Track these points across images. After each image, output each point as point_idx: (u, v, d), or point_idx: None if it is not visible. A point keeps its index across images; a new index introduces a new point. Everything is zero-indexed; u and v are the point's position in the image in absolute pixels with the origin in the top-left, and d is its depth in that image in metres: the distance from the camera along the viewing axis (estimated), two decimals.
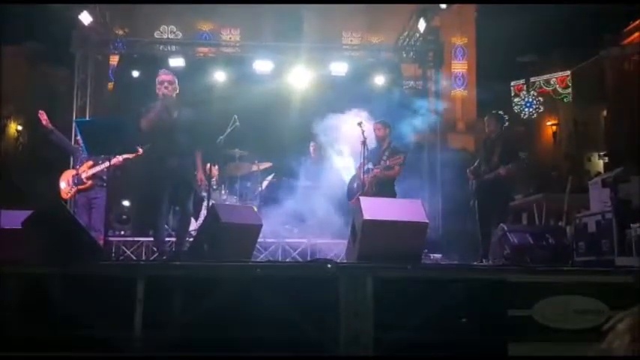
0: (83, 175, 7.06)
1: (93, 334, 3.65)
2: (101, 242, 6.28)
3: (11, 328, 3.68)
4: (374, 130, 7.44)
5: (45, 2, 9.25)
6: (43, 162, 12.41)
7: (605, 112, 17.86)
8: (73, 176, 7.17)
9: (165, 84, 5.93)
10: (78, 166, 7.25)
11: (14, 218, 5.22)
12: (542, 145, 19.73)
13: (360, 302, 3.79)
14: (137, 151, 6.40)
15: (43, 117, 7.13)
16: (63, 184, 7.28)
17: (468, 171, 7.15)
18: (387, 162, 7.13)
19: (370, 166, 7.34)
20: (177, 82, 6.05)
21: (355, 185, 7.63)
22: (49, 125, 7.19)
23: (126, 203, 9.86)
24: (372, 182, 7.14)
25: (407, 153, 7.41)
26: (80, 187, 7.07)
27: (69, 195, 7.16)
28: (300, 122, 10.65)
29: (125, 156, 6.62)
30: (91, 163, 7.09)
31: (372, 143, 7.46)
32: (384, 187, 7.17)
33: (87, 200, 7.09)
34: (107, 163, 6.72)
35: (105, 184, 7.13)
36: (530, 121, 20.03)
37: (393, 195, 7.19)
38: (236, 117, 7.48)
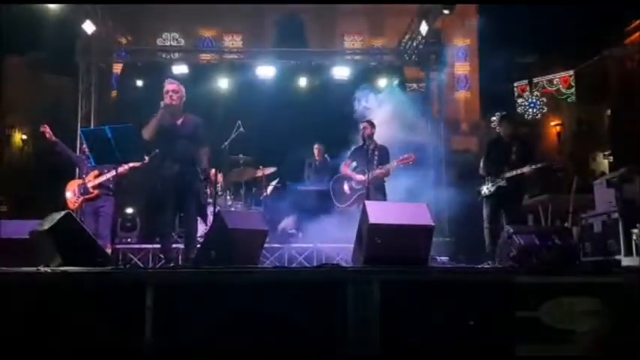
0: (89, 185, 7.09)
1: (102, 343, 3.67)
2: (109, 250, 6.32)
3: (19, 338, 3.69)
4: (362, 129, 7.42)
5: (46, 2, 9.24)
6: (49, 171, 12.45)
7: (609, 112, 17.81)
8: (79, 186, 7.20)
9: (170, 93, 5.96)
10: (84, 176, 7.27)
11: (21, 228, 5.26)
12: (546, 146, 19.68)
13: (367, 306, 3.80)
14: (143, 160, 6.45)
15: (47, 130, 7.20)
16: (69, 194, 7.31)
17: (483, 170, 7.03)
18: (396, 162, 7.14)
19: (354, 165, 7.42)
20: (183, 90, 6.09)
21: (346, 187, 7.62)
22: (53, 138, 7.26)
23: (130, 210, 9.88)
24: (371, 182, 7.14)
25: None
26: (87, 196, 7.11)
27: (76, 205, 7.18)
28: (304, 126, 10.68)
29: (131, 164, 6.66)
30: (96, 172, 7.13)
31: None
32: (379, 188, 7.20)
33: (94, 209, 7.12)
34: (113, 172, 6.77)
35: (111, 193, 7.16)
36: (534, 121, 19.99)
37: (384, 194, 7.22)
38: (240, 123, 7.49)
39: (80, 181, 7.28)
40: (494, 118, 7.32)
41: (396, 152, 7.42)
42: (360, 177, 7.35)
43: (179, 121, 5.98)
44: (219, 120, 8.18)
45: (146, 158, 6.39)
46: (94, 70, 11.09)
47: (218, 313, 3.71)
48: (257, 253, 5.60)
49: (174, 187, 5.98)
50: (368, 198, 6.83)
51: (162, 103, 5.94)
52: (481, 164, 7.15)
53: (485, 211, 6.89)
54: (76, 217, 7.20)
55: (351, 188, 7.55)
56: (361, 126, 7.44)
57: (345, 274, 4.07)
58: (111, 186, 7.11)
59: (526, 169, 6.63)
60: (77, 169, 8.18)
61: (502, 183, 6.80)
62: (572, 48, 18.39)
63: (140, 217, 9.81)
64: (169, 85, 6.04)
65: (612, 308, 3.78)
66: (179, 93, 6.02)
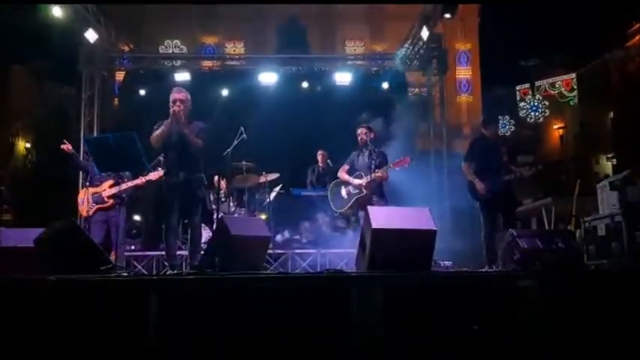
0: (104, 194, 7.14)
1: (104, 349, 3.68)
2: (112, 257, 6.35)
3: (23, 344, 3.71)
4: (361, 134, 7.42)
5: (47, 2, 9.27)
6: (53, 179, 12.49)
7: (612, 114, 17.82)
8: (93, 195, 7.25)
9: (178, 102, 5.97)
10: (87, 184, 7.31)
11: (25, 236, 5.27)
12: (549, 149, 19.69)
13: (370, 311, 3.81)
14: (147, 167, 6.48)
15: (67, 146, 7.30)
16: (83, 202, 7.36)
17: (476, 172, 6.94)
18: (392, 165, 7.14)
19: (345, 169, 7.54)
20: (190, 99, 6.11)
21: (344, 192, 7.63)
22: (72, 150, 7.38)
23: (135, 217, 9.90)
24: (369, 186, 7.15)
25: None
26: (101, 205, 7.16)
27: (89, 213, 7.24)
28: (307, 132, 10.70)
29: (148, 177, 6.71)
30: (111, 182, 7.16)
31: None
32: (378, 192, 7.21)
33: (106, 218, 7.16)
34: (131, 184, 6.84)
35: (123, 203, 7.21)
36: (536, 125, 20.01)
37: (384, 198, 7.23)
38: (242, 129, 7.51)
39: (93, 190, 7.31)
40: (480, 121, 7.27)
41: (396, 156, 7.41)
42: (357, 181, 7.37)
43: (186, 129, 6.00)
44: (221, 127, 8.18)
45: (160, 170, 6.44)
46: (97, 78, 11.13)
47: (221, 319, 3.71)
48: (260, 258, 5.61)
49: (180, 194, 6.01)
50: (369, 202, 6.84)
51: (171, 111, 5.97)
52: (464, 165, 7.06)
53: (482, 216, 6.84)
54: (85, 224, 7.30)
55: (348, 193, 7.57)
56: (359, 131, 7.44)
57: (349, 280, 4.07)
58: (124, 196, 7.16)
59: (525, 172, 6.61)
60: (80, 178, 8.21)
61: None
62: (573, 51, 18.43)
63: (145, 224, 9.84)
64: (177, 94, 6.05)
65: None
66: (186, 102, 6.04)
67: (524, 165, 6.82)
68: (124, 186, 6.99)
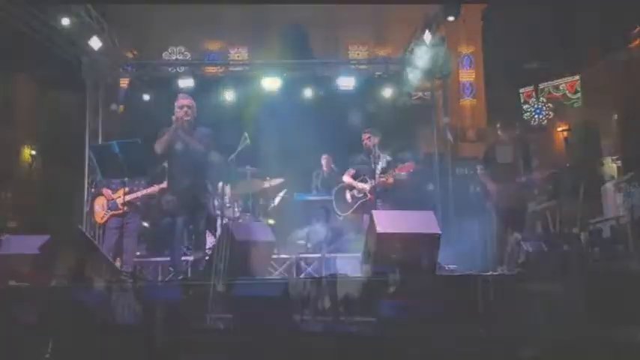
0: (118, 201, 7.19)
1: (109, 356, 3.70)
2: (118, 263, 6.38)
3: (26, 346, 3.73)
4: (365, 139, 7.45)
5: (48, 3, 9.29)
6: (58, 187, 12.53)
7: (616, 116, 17.75)
8: (107, 201, 7.29)
9: (185, 108, 6.00)
10: (112, 191, 7.34)
11: (30, 243, 5.30)
12: (554, 152, 19.63)
13: (374, 314, 3.81)
14: (147, 173, 6.53)
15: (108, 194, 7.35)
16: (98, 209, 7.41)
17: (492, 175, 6.92)
18: (396, 170, 7.15)
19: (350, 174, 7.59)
20: (194, 105, 6.14)
21: (348, 196, 7.65)
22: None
23: (144, 224, 9.90)
24: (373, 191, 7.17)
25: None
26: (115, 212, 7.21)
27: (104, 219, 7.30)
28: (311, 137, 10.71)
29: (161, 185, 6.75)
30: (125, 189, 7.20)
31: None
32: (383, 196, 7.21)
33: (120, 224, 7.21)
34: (144, 191, 6.90)
35: (138, 210, 7.26)
36: (540, 127, 19.94)
37: (389, 202, 7.24)
38: (246, 134, 7.53)
39: (109, 197, 7.34)
40: (498, 125, 7.30)
41: (400, 161, 7.42)
42: (361, 185, 7.41)
43: (189, 136, 6.02)
44: (225, 132, 8.19)
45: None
46: (101, 86, 11.15)
47: (226, 323, 3.72)
48: (265, 263, 5.62)
49: (184, 200, 6.03)
50: (373, 207, 6.85)
51: (174, 118, 5.98)
52: (480, 168, 7.07)
53: (493, 218, 6.84)
54: (98, 230, 7.35)
55: (352, 197, 7.59)
56: (363, 136, 7.47)
57: (353, 284, 4.07)
58: (138, 203, 7.21)
59: (536, 176, 6.62)
60: (85, 185, 8.22)
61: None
62: (577, 53, 18.39)
63: (150, 230, 9.84)
64: (183, 100, 6.07)
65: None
66: (192, 108, 6.08)
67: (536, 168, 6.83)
68: (138, 193, 7.04)
